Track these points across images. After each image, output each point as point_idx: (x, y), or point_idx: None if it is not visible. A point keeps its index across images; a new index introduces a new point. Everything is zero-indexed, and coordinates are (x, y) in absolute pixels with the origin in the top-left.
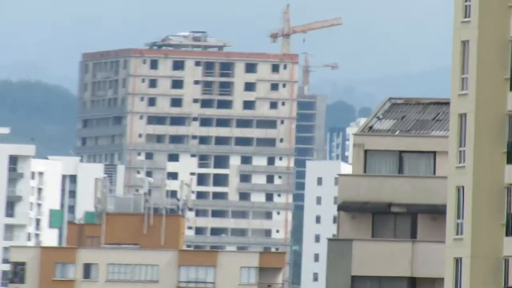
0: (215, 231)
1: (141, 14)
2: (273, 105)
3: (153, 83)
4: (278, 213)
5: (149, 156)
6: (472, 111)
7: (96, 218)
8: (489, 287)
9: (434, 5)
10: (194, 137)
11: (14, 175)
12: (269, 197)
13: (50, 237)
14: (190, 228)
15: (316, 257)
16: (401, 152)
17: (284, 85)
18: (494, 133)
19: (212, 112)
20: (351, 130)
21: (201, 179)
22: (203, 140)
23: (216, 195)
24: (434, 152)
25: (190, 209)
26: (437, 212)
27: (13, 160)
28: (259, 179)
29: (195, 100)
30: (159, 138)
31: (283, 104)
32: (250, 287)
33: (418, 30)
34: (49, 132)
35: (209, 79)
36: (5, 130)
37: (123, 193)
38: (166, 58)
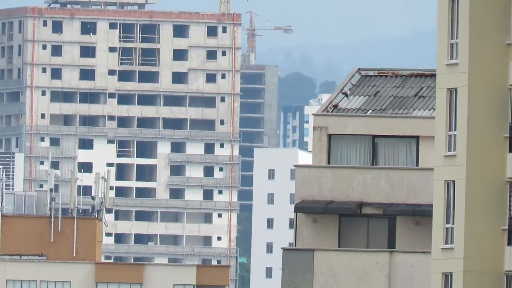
0: (140, 239)
1: None
2: (211, 78)
3: (57, 51)
4: (220, 216)
5: (55, 142)
6: (464, 84)
7: None
8: None
9: None
10: (111, 118)
11: None
12: (208, 194)
13: None
14: (109, 234)
15: (269, 272)
16: (374, 137)
17: (224, 53)
18: (493, 113)
19: (133, 86)
20: (310, 109)
21: (121, 172)
22: (123, 122)
23: (141, 192)
24: (417, 137)
25: (109, 211)
26: (420, 214)
27: None
28: (194, 172)
29: (111, 72)
30: (67, 120)
31: (223, 76)
32: None
33: None
34: None
35: (128, 45)
36: None
37: (23, 189)
38: (72, 18)
